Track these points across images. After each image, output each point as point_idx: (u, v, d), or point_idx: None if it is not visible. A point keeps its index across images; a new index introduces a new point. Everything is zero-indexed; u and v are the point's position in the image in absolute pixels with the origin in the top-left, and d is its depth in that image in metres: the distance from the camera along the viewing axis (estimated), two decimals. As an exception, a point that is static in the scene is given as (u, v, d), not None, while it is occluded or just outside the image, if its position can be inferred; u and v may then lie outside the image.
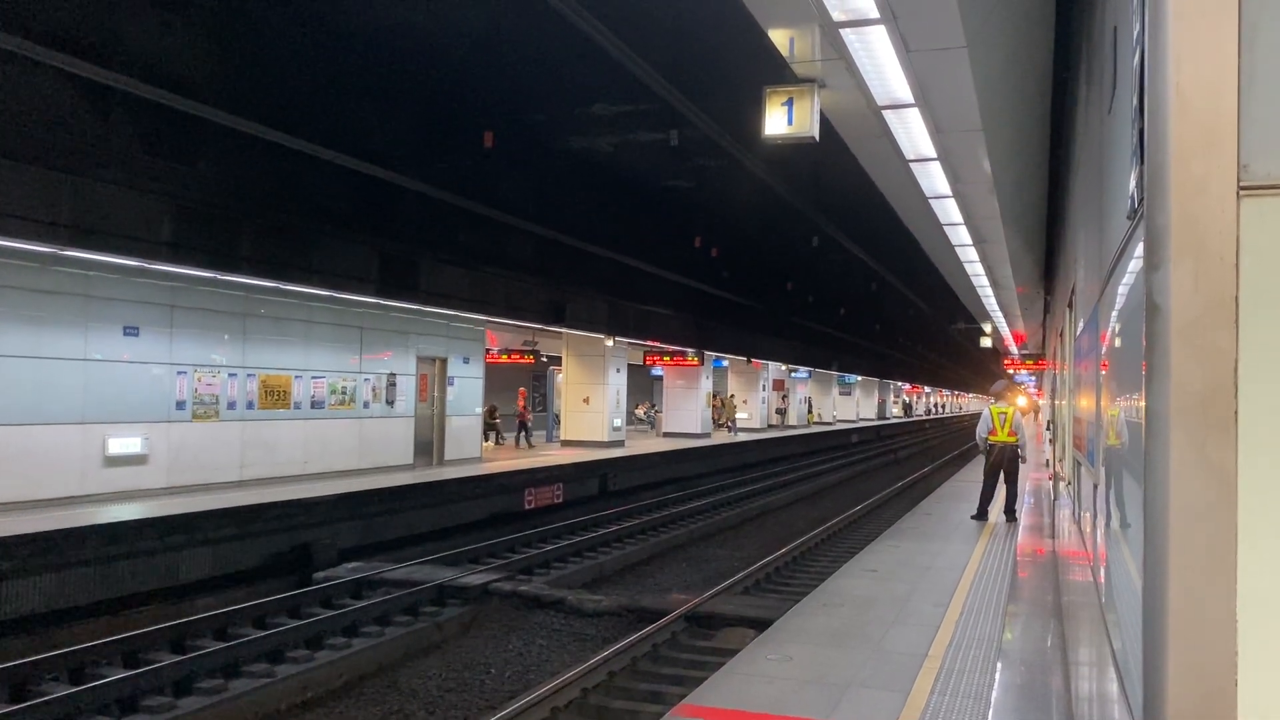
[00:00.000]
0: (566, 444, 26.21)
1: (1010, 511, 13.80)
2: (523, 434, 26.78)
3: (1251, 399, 1.45)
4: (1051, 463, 14.23)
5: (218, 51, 11.25)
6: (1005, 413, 13.67)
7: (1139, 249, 1.80)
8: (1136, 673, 1.72)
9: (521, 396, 26.97)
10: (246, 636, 9.76)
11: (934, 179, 9.18)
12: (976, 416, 14.31)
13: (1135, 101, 1.82)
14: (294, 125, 11.79)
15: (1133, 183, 1.90)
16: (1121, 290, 2.32)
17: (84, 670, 8.76)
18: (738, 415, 37.56)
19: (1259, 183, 1.46)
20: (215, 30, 11.14)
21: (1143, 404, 1.64)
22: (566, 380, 27.06)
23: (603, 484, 21.95)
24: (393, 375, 18.61)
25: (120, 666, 8.93)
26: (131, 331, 13.31)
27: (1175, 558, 1.48)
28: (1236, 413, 1.45)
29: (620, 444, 26.70)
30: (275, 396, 15.82)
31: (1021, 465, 13.96)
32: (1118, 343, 2.46)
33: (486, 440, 24.18)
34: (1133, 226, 2.00)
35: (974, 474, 14.76)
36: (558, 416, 28.13)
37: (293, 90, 11.97)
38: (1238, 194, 1.46)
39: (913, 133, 7.54)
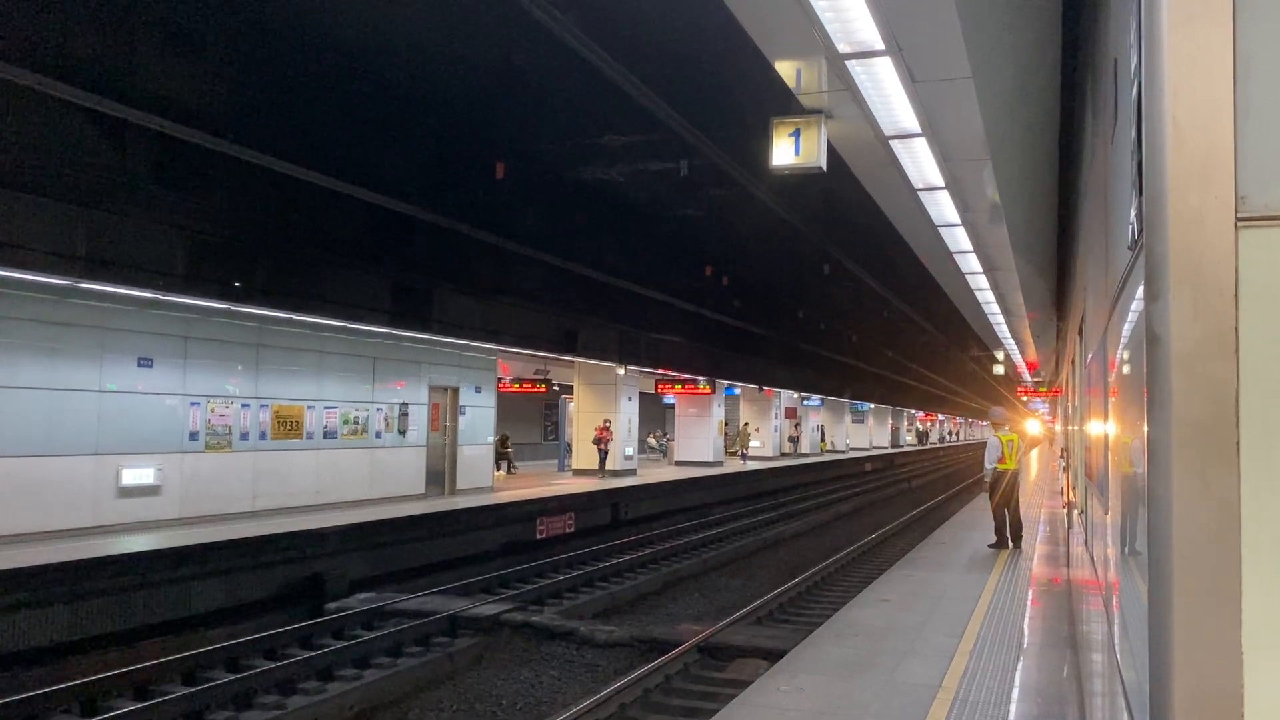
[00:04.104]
0: (579, 473, 26.16)
1: (1018, 538, 13.79)
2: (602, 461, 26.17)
3: (1253, 429, 1.45)
4: (1065, 491, 14.15)
5: (232, 86, 11.39)
6: (1013, 440, 13.68)
7: (1141, 279, 1.81)
8: (1146, 704, 1.71)
9: (603, 427, 26.39)
10: (258, 668, 9.75)
11: (943, 207, 9.21)
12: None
13: (1134, 133, 1.83)
14: (307, 158, 11.91)
15: (1133, 213, 1.91)
16: (1126, 320, 2.32)
17: (96, 702, 8.76)
18: (751, 443, 37.47)
19: (1257, 214, 1.46)
20: (230, 65, 11.28)
21: (1145, 433, 1.64)
22: (578, 409, 27.06)
23: (615, 513, 21.89)
24: (405, 405, 18.65)
25: (132, 699, 8.93)
26: (145, 363, 13.40)
27: (1179, 588, 1.48)
28: (1238, 443, 1.45)
29: (632, 473, 26.64)
30: (288, 427, 15.87)
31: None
32: (1124, 371, 2.46)
33: (498, 469, 24.16)
34: (1134, 257, 2.01)
35: (988, 502, 14.67)
36: (569, 445, 28.09)
37: (306, 123, 12.10)
38: (1236, 225, 1.47)
39: (920, 162, 7.57)
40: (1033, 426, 43.86)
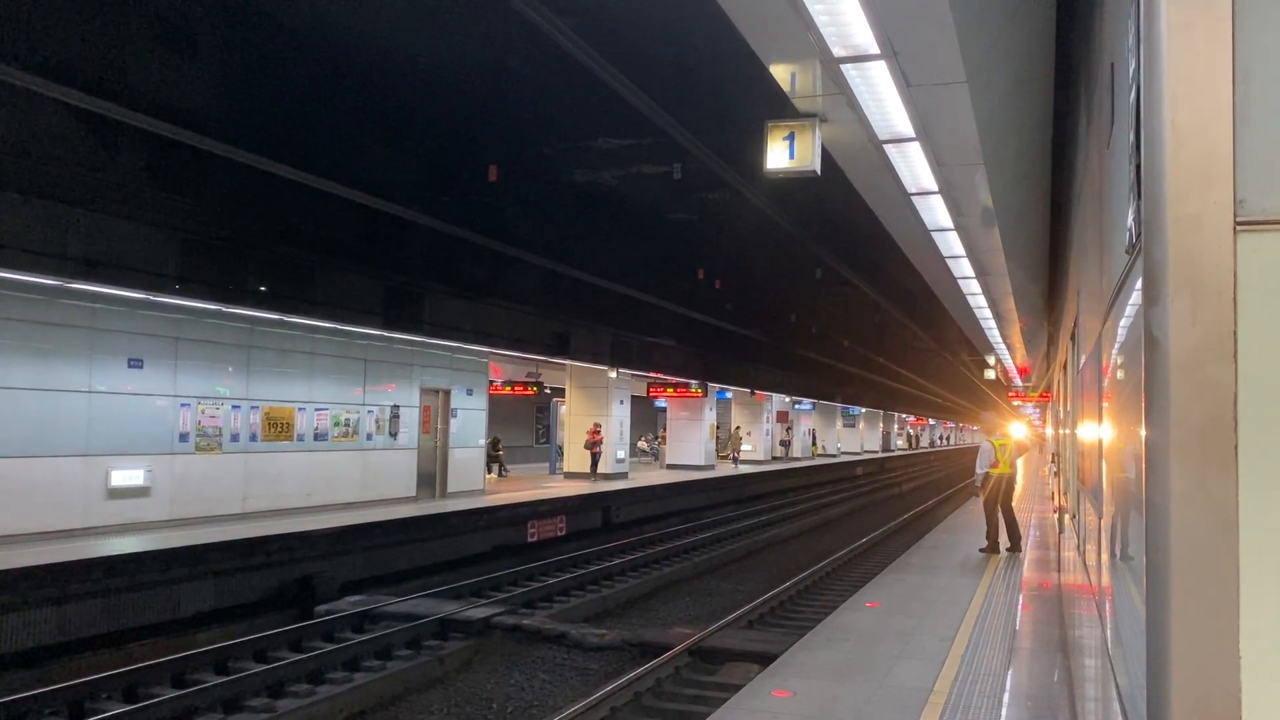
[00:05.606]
0: (570, 476, 26.13)
1: (1014, 541, 13.81)
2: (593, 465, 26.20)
3: (1251, 433, 1.45)
4: (1056, 495, 14.19)
5: (225, 86, 11.36)
6: (1005, 444, 13.75)
7: (1138, 283, 1.81)
8: (1142, 709, 1.70)
9: (594, 431, 26.30)
10: (247, 671, 9.70)
11: (935, 212, 9.21)
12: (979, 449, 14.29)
13: (1132, 137, 1.83)
14: (300, 159, 11.89)
15: (1130, 217, 1.91)
16: (1122, 324, 2.32)
17: (84, 705, 8.71)
18: (742, 447, 37.48)
19: (1255, 218, 1.46)
20: (222, 65, 11.25)
21: (1143, 437, 1.63)
22: (570, 412, 27.03)
23: (606, 516, 21.86)
24: (396, 407, 18.61)
25: (121, 701, 8.88)
26: (136, 364, 13.34)
27: (1177, 593, 1.47)
28: (1236, 447, 1.45)
29: (624, 476, 26.62)
30: (278, 428, 15.82)
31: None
32: (1119, 376, 2.46)
33: (489, 472, 24.11)
34: (1131, 261, 2.01)
35: (979, 507, 14.72)
36: (561, 448, 28.05)
37: (299, 124, 12.07)
38: (1234, 229, 1.47)
39: (914, 166, 7.57)
40: (1018, 431, 43.86)
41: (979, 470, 13.80)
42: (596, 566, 16.69)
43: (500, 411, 28.19)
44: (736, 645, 10.79)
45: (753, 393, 36.14)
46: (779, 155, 6.68)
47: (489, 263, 17.13)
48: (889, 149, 7.12)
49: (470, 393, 21.04)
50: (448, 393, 20.27)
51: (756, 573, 18.11)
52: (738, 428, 38.41)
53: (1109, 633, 2.94)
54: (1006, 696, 6.67)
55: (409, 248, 15.47)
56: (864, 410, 56.90)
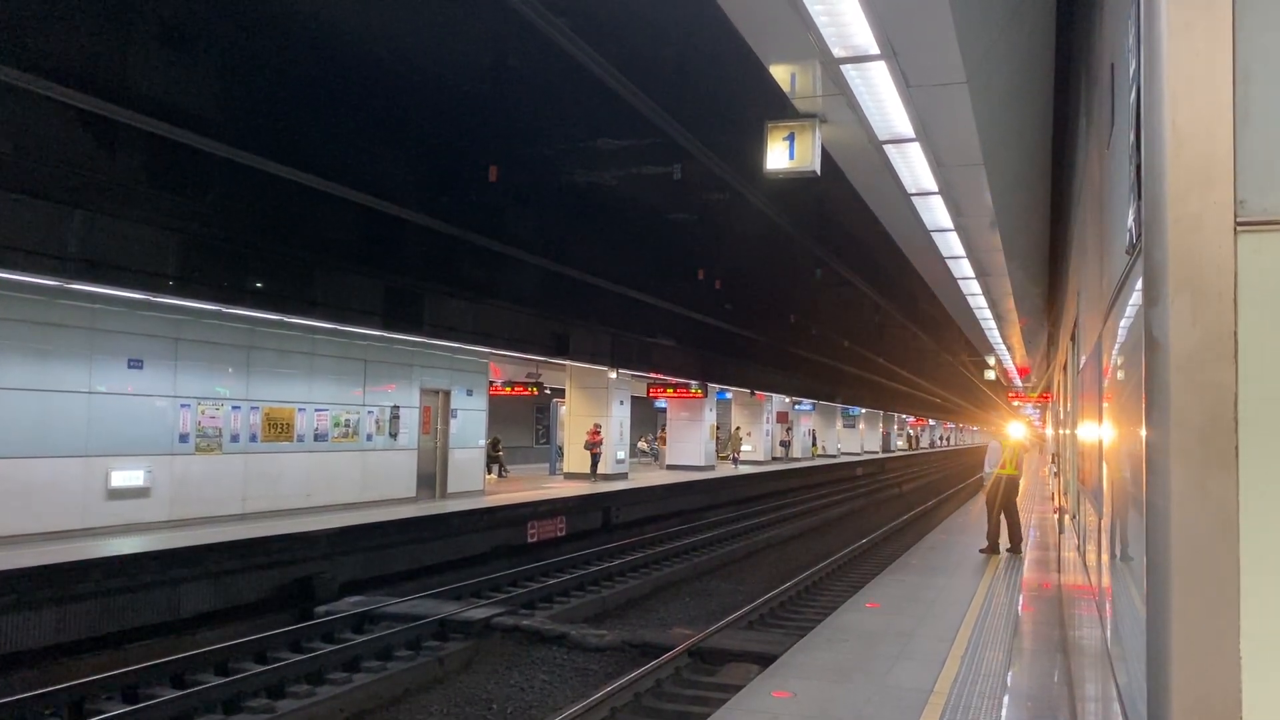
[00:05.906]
0: (570, 477, 26.12)
1: (1015, 542, 13.85)
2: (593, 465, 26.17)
3: (1252, 433, 1.45)
4: (1056, 496, 14.20)
5: (224, 86, 11.36)
6: (1010, 445, 13.85)
7: (1138, 283, 1.81)
8: (1142, 709, 1.70)
9: (594, 431, 26.24)
10: (247, 671, 9.70)
11: (935, 213, 9.20)
12: (983, 448, 14.41)
13: (1132, 138, 1.83)
14: (300, 160, 11.89)
15: (1131, 218, 1.91)
16: (1122, 324, 2.32)
17: (84, 705, 8.70)
18: (742, 447, 37.47)
19: (1255, 218, 1.46)
20: (222, 65, 11.25)
21: (1143, 438, 1.64)
22: (570, 413, 27.01)
23: (606, 517, 21.86)
24: (396, 408, 18.60)
25: (120, 702, 8.88)
26: (135, 364, 13.33)
27: (1178, 593, 1.47)
28: (1237, 447, 1.45)
29: (624, 476, 26.61)
30: (278, 429, 15.81)
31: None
32: (1119, 376, 2.46)
33: (489, 473, 24.09)
34: (1132, 261, 2.01)
35: (979, 507, 14.74)
36: (560, 449, 28.04)
37: (299, 125, 12.07)
38: (1234, 229, 1.47)
39: (914, 167, 7.57)
40: (1016, 431, 43.80)
41: (987, 469, 13.96)
42: (596, 567, 16.69)
43: (500, 412, 28.18)
44: (736, 646, 10.79)
45: (752, 393, 36.14)
46: (779, 156, 6.67)
47: (489, 263, 17.12)
48: (889, 149, 7.12)
49: (470, 393, 21.03)
50: (448, 393, 20.26)
51: (756, 573, 18.11)
52: (738, 428, 38.42)
53: (1109, 633, 2.95)
54: (1006, 697, 6.67)
55: (409, 248, 15.47)
56: (864, 411, 56.88)
